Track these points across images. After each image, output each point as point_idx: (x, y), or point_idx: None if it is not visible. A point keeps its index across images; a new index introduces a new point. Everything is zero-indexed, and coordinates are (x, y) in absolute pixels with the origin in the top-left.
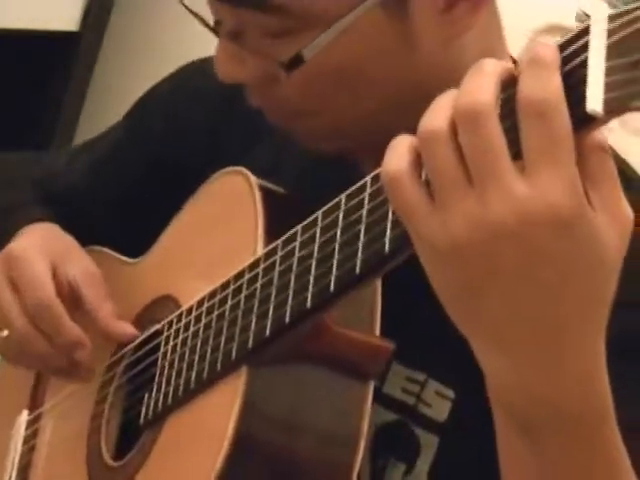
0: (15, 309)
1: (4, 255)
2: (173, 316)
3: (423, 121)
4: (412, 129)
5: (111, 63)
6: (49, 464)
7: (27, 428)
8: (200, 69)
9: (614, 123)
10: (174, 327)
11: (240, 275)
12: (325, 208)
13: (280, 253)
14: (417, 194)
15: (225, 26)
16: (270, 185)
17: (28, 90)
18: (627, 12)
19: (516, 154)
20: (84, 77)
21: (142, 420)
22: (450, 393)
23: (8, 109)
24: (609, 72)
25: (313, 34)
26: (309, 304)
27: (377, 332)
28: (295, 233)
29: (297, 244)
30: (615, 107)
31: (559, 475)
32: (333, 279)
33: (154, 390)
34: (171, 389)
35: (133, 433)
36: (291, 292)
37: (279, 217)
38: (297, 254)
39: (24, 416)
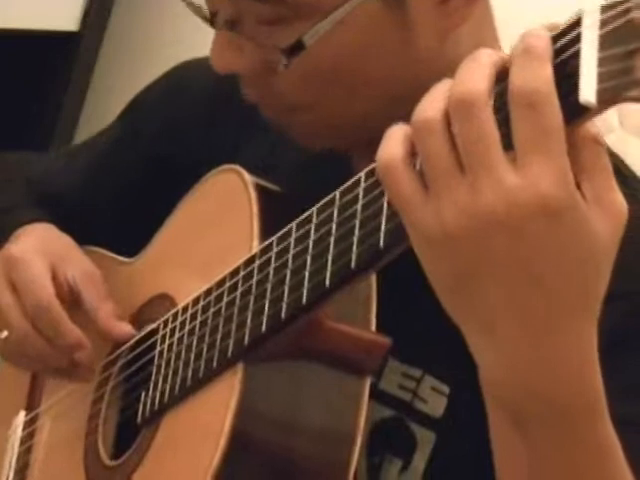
0: (15, 310)
1: (3, 257)
2: (169, 315)
3: (417, 110)
4: (407, 124)
5: (111, 63)
6: (46, 464)
7: (24, 429)
8: (193, 69)
9: (614, 123)
10: (170, 325)
11: (235, 272)
12: (320, 204)
13: (275, 249)
14: (411, 183)
15: (222, 16)
16: (265, 182)
17: (28, 90)
18: (620, 2)
19: (509, 145)
20: (84, 77)
21: (139, 419)
22: (446, 389)
23: (8, 109)
24: (602, 63)
25: (309, 24)
26: (305, 300)
27: (373, 328)
28: (290, 230)
29: (292, 240)
30: (608, 97)
31: (551, 468)
32: (328, 274)
33: (151, 389)
34: (167, 387)
35: (130, 432)
36: (287, 288)
37: (274, 214)
38: (292, 250)
39: (21, 417)
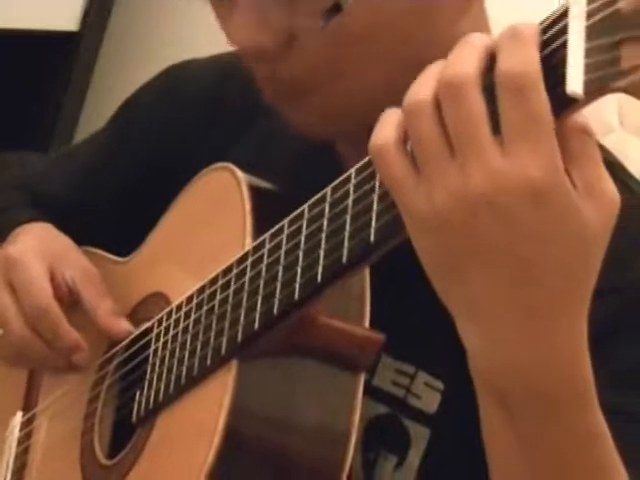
0: (13, 312)
1: (2, 257)
2: (163, 313)
3: (408, 93)
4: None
5: (111, 63)
6: (43, 465)
7: (21, 429)
8: (187, 69)
9: (614, 123)
10: (164, 324)
11: (228, 270)
12: (311, 201)
13: (268, 246)
14: (403, 166)
15: None
16: (257, 180)
17: (28, 90)
18: None
19: (499, 129)
20: (84, 77)
21: (134, 417)
22: (439, 385)
23: (8, 109)
24: (589, 53)
25: None
26: (297, 296)
27: (367, 324)
28: (282, 226)
29: (284, 237)
30: (595, 88)
31: (539, 455)
32: (320, 270)
33: (145, 387)
34: (162, 386)
35: (126, 431)
36: (279, 284)
37: (267, 212)
38: (284, 247)
39: (18, 418)
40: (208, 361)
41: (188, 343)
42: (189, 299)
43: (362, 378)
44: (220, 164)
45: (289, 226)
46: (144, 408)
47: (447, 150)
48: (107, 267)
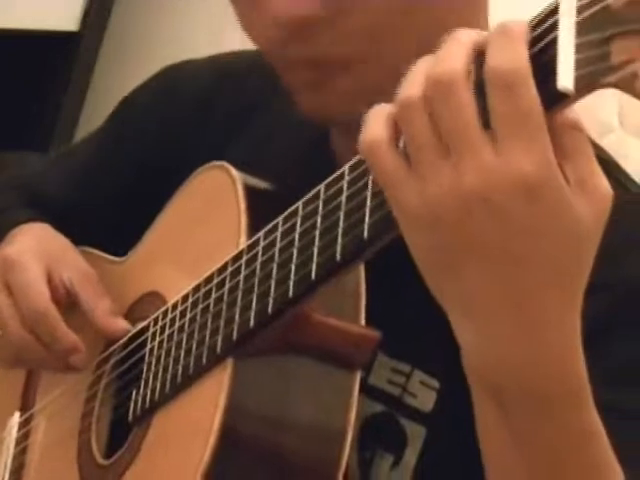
0: (10, 313)
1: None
2: (159, 312)
3: (401, 89)
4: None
5: (111, 63)
6: (41, 465)
7: (19, 430)
8: (184, 70)
9: (614, 123)
10: (160, 323)
11: (223, 268)
12: (305, 198)
13: (262, 244)
14: (394, 162)
15: None
16: (252, 178)
17: (28, 90)
18: None
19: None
20: (84, 77)
21: (131, 417)
22: (435, 383)
23: (8, 109)
24: (579, 49)
25: None
26: (291, 293)
27: (362, 321)
28: (277, 224)
29: (278, 234)
30: (586, 84)
31: (533, 452)
32: (314, 267)
33: (142, 386)
34: (158, 385)
35: (124, 430)
36: (273, 282)
37: (261, 210)
38: (279, 244)
39: (16, 418)
40: (204, 360)
41: (184, 342)
42: (184, 298)
43: (358, 376)
44: (215, 163)
45: (283, 224)
46: (140, 407)
47: (440, 148)
48: (103, 267)
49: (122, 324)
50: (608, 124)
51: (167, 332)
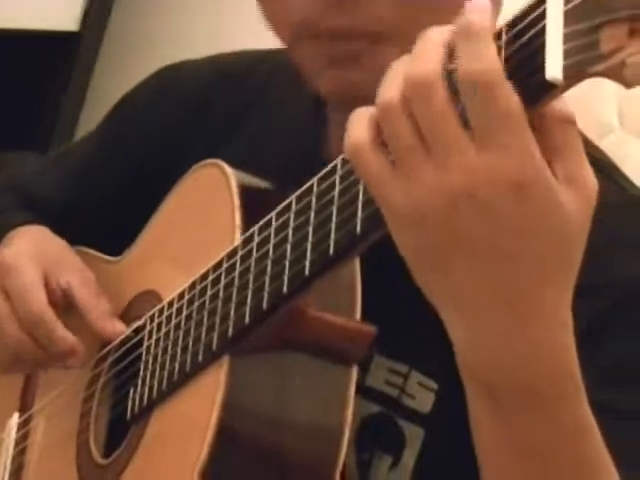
0: (8, 318)
1: None
2: (155, 310)
3: (380, 91)
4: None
5: (111, 63)
6: (40, 465)
7: (18, 430)
8: (180, 70)
9: (614, 123)
10: (156, 321)
11: (219, 265)
12: (298, 193)
13: (256, 240)
14: (379, 163)
15: None
16: (246, 176)
17: (28, 90)
18: None
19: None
20: (84, 77)
21: (128, 416)
22: (433, 384)
23: (8, 109)
24: (568, 38)
25: None
26: (285, 289)
27: (358, 316)
28: (270, 220)
29: (272, 230)
30: (574, 73)
31: (526, 447)
32: (308, 262)
33: (139, 385)
34: (155, 383)
35: (121, 429)
36: (268, 278)
37: (256, 206)
38: (272, 240)
39: (15, 419)
40: (200, 357)
41: (180, 339)
42: (180, 295)
43: (354, 371)
44: (209, 160)
45: (277, 219)
46: (138, 406)
47: (422, 148)
48: (99, 267)
49: (118, 327)
50: (608, 124)
51: (163, 330)
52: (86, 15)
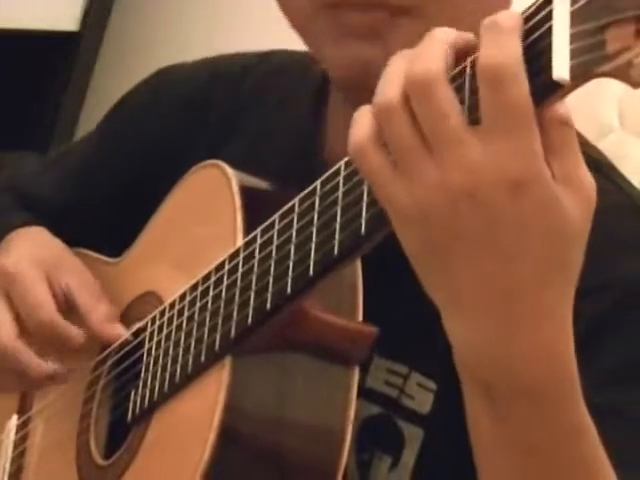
0: (8, 327)
1: None
2: (156, 312)
3: (378, 91)
4: None
5: (111, 63)
6: (40, 467)
7: (17, 432)
8: (178, 72)
9: (614, 123)
10: (157, 323)
11: (221, 266)
12: (301, 195)
13: (259, 241)
14: (381, 162)
15: None
16: (247, 176)
17: (28, 90)
18: None
19: (476, 120)
20: (84, 77)
21: (129, 417)
22: (432, 385)
23: (8, 109)
24: (574, 38)
25: None
26: (289, 289)
27: (360, 317)
28: (273, 221)
29: (275, 231)
30: (581, 73)
31: (522, 445)
32: (312, 263)
33: (140, 386)
34: (157, 384)
35: (122, 430)
36: (271, 279)
37: (257, 208)
38: (276, 241)
39: (14, 420)
40: (202, 358)
41: (182, 341)
42: (182, 297)
43: (356, 372)
44: (209, 161)
45: (280, 221)
46: (139, 407)
47: (423, 147)
48: (99, 268)
49: (118, 330)
50: (608, 124)
51: (165, 331)
52: (86, 15)
